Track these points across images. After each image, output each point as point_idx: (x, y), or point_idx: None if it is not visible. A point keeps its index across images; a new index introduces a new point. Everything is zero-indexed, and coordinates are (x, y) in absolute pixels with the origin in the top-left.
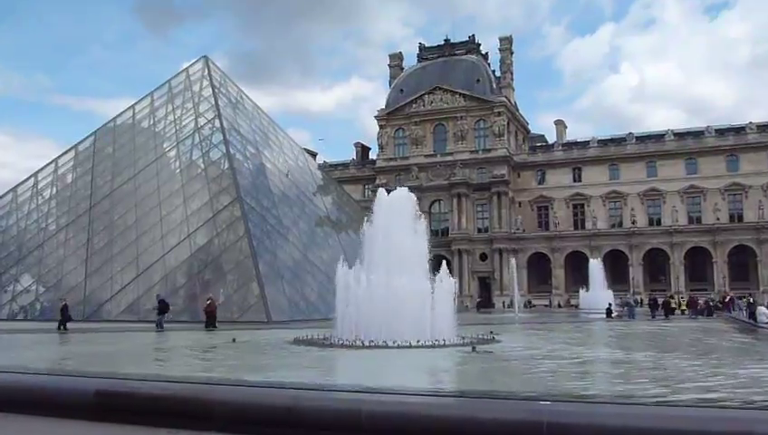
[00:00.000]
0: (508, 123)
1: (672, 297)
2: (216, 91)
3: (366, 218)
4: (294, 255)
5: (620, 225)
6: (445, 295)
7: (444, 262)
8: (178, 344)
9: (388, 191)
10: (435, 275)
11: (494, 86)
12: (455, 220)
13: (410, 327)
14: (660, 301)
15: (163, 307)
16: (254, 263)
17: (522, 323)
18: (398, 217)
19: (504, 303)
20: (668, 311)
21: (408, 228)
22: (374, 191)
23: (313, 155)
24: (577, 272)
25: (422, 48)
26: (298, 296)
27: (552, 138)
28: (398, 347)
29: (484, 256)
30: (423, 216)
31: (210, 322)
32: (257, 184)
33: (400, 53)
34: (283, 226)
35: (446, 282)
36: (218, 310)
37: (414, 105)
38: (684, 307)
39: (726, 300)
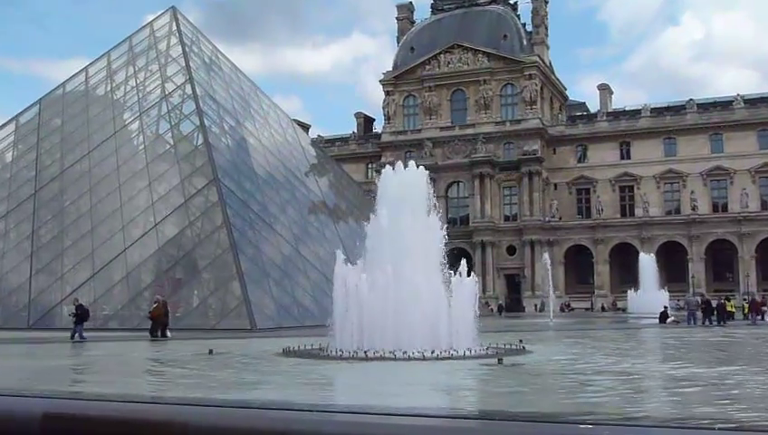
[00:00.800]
0: (542, 88)
1: (728, 299)
2: (187, 49)
3: (369, 204)
4: (283, 249)
5: (678, 211)
6: (465, 297)
7: (464, 257)
8: (144, 357)
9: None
10: (452, 272)
11: (525, 43)
12: (477, 206)
13: (423, 335)
14: (714, 303)
15: (82, 315)
16: (235, 258)
17: (558, 331)
18: (408, 203)
19: (535, 306)
20: (724, 315)
21: (420, 216)
22: (379, 171)
23: (306, 128)
24: (625, 268)
25: None
26: (288, 299)
27: (594, 106)
28: (409, 359)
29: (512, 250)
30: (439, 201)
31: (156, 328)
32: (238, 163)
33: (410, 2)
34: (270, 214)
35: (467, 281)
36: (192, 315)
37: (427, 67)
38: (745, 310)
39: None
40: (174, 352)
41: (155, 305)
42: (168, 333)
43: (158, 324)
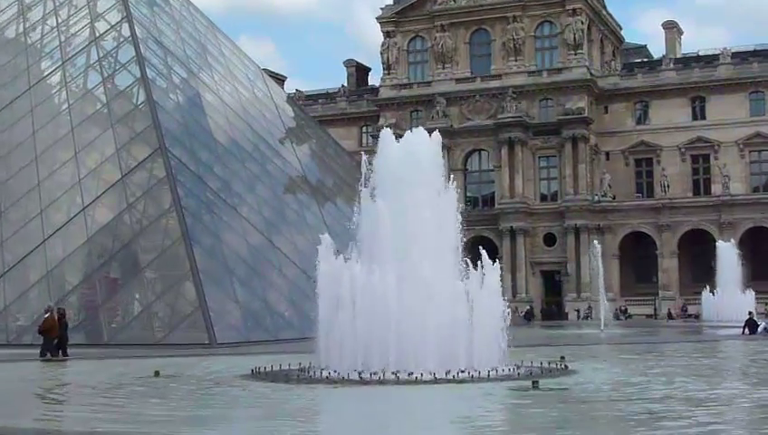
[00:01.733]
0: (589, 27)
1: None
2: None
3: (363, 180)
4: (252, 238)
5: None
6: (489, 300)
7: (487, 248)
8: (72, 381)
9: (399, 136)
10: (473, 268)
11: None
12: (504, 182)
13: (435, 350)
14: None
15: None
16: (188, 252)
17: (611, 344)
18: (414, 178)
19: (577, 312)
20: None
21: (430, 196)
22: (376, 136)
23: (281, 81)
24: (698, 263)
25: None
26: (258, 304)
27: (658, 50)
28: (417, 382)
29: (550, 239)
30: (455, 175)
31: (47, 346)
32: (191, 127)
33: None
34: (234, 193)
35: (492, 279)
36: (132, 327)
37: None
38: None
39: None
40: (92, 375)
41: (45, 316)
42: (66, 352)
43: (51, 341)
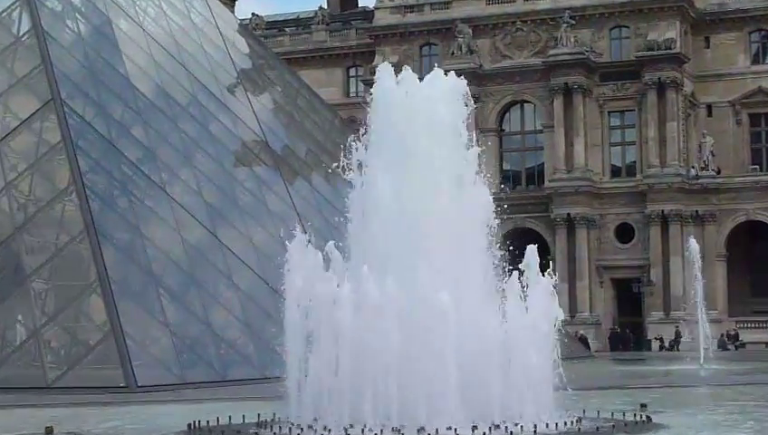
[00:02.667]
0: None
1: None
2: None
3: (350, 145)
4: (188, 233)
5: None
6: (534, 322)
7: (532, 244)
8: None
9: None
10: (511, 274)
11: None
12: (558, 149)
13: (457, 396)
14: None
15: None
16: (95, 252)
17: (715, 386)
18: (426, 144)
19: (660, 341)
20: None
21: (449, 169)
22: (369, 82)
23: (230, 1)
24: None
25: None
26: (198, 329)
27: None
28: None
29: (626, 232)
30: (485, 139)
31: None
32: (99, 69)
33: None
34: (161, 166)
35: (539, 291)
36: (13, 363)
37: None
38: None
39: None
40: None
41: None
42: None
43: None
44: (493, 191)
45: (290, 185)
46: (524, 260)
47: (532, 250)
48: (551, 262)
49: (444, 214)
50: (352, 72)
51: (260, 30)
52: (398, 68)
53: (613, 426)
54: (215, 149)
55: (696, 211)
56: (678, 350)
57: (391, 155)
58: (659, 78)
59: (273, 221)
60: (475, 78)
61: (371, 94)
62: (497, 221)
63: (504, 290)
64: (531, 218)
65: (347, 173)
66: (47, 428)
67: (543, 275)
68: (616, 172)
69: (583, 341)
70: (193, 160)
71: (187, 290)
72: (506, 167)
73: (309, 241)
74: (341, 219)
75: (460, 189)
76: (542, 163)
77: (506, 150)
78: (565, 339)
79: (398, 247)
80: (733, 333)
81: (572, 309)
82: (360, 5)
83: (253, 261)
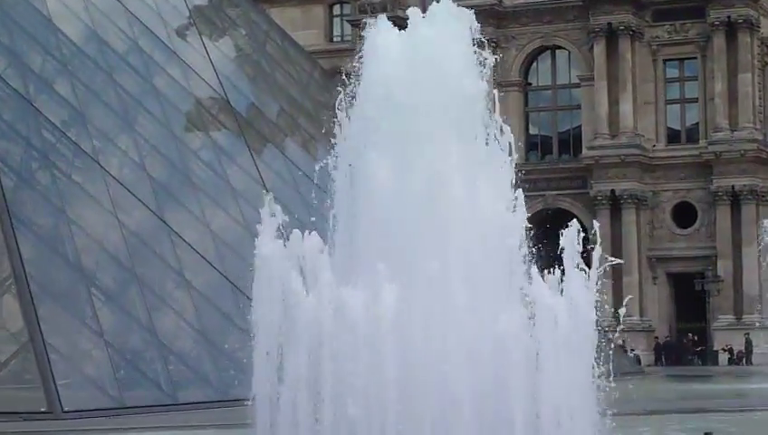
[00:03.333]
0: None
1: None
2: None
3: (337, 106)
4: (128, 216)
5: None
6: (571, 331)
7: (565, 228)
8: None
9: (401, 22)
10: (541, 271)
11: None
12: (599, 108)
13: (473, 424)
14: None
15: None
16: (8, 241)
17: None
18: (430, 101)
19: (729, 352)
20: None
21: (460, 133)
22: (357, 23)
23: None
24: None
25: None
26: (140, 338)
27: None
28: None
29: (686, 214)
30: (506, 95)
31: None
32: (9, 9)
33: None
34: (93, 131)
35: (576, 289)
36: None
37: None
38: None
39: None
40: None
41: None
42: None
43: None
44: (516, 163)
45: (257, 155)
46: (563, 243)
47: (572, 232)
48: (588, 253)
49: (455, 191)
50: (336, 10)
51: None
52: (391, 4)
53: None
54: (161, 110)
55: None
56: (751, 363)
57: (388, 113)
58: (729, 16)
59: (236, 202)
60: (494, 17)
61: (362, 39)
62: (522, 201)
63: (532, 291)
64: (564, 196)
65: (331, 141)
66: None
67: (588, 267)
68: (673, 137)
69: (673, 349)
70: (133, 124)
71: (127, 290)
72: (533, 131)
73: (283, 228)
74: (324, 200)
75: (475, 157)
76: (579, 126)
77: (533, 110)
78: (610, 350)
79: (397, 238)
80: None
81: (618, 315)
82: None
83: (210, 253)
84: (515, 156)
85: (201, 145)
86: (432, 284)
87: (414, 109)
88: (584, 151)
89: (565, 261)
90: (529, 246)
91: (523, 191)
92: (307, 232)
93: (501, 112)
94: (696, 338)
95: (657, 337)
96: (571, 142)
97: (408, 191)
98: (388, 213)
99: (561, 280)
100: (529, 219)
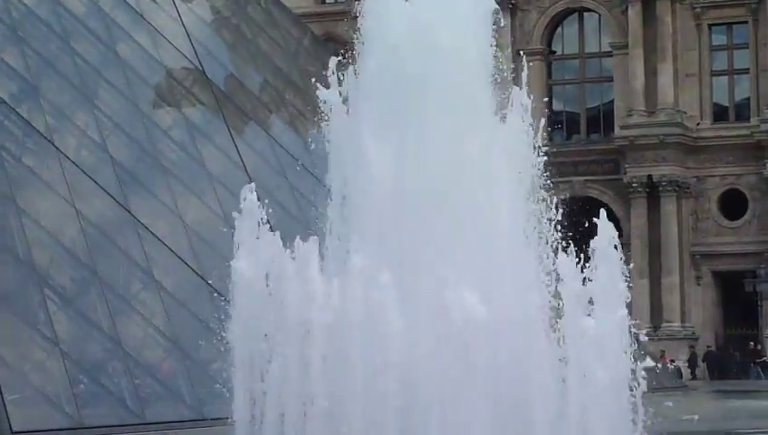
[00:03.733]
0: None
1: None
2: None
3: (329, 76)
4: (87, 206)
5: None
6: (603, 339)
7: (592, 224)
8: None
9: None
10: (565, 269)
11: None
12: (633, 80)
13: (493, 428)
14: None
15: None
16: None
17: None
18: (438, 73)
19: None
20: None
21: (474, 111)
22: None
23: None
24: None
25: None
26: (102, 348)
27: None
28: None
29: (736, 204)
30: (528, 68)
31: None
32: None
33: None
34: (46, 105)
35: (609, 292)
36: None
37: None
38: None
39: None
40: None
41: None
42: None
43: None
44: (539, 145)
45: (238, 135)
46: (593, 245)
47: (604, 224)
48: (621, 247)
49: (467, 180)
50: None
51: None
52: None
53: None
54: (126, 82)
55: None
56: None
57: (388, 85)
58: None
59: (213, 189)
60: None
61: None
62: (546, 188)
63: (556, 293)
64: (594, 183)
65: (323, 119)
66: None
67: (622, 271)
68: (720, 115)
69: (720, 360)
70: (93, 98)
71: (86, 291)
72: (557, 106)
73: (267, 219)
74: (316, 187)
75: (491, 136)
76: (611, 101)
77: (558, 82)
78: (647, 363)
79: (402, 234)
80: None
81: (655, 318)
82: None
83: (184, 248)
84: (538, 136)
85: (172, 123)
86: (443, 283)
87: (420, 81)
88: (617, 131)
89: (595, 257)
90: (554, 241)
91: (547, 177)
92: (298, 238)
93: (520, 85)
94: (758, 347)
95: (692, 346)
96: (601, 120)
97: (408, 175)
98: (392, 206)
99: (589, 279)
100: (555, 209)
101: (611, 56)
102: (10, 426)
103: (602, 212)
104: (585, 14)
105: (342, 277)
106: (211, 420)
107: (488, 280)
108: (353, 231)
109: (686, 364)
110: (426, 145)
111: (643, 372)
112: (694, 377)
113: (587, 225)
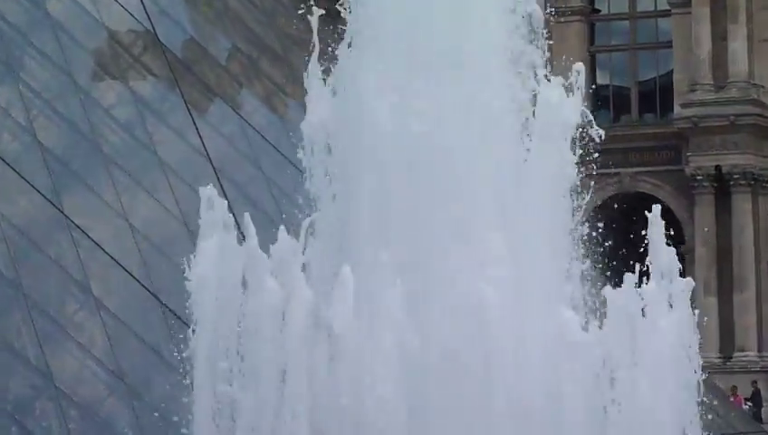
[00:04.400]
0: None
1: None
2: None
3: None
4: (10, 207)
5: None
6: (658, 373)
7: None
8: None
9: None
10: (613, 285)
11: None
12: (697, 46)
13: None
14: None
15: None
16: None
17: None
18: (461, 43)
19: None
20: None
21: (500, 90)
22: None
23: None
24: None
25: None
26: (28, 384)
27: None
28: None
29: None
30: (561, 29)
31: None
32: None
33: None
34: None
35: (666, 317)
36: None
37: None
38: None
39: None
40: None
41: None
42: None
43: None
44: (577, 122)
45: (199, 114)
46: (650, 241)
47: (658, 228)
48: (682, 257)
49: (490, 169)
50: None
51: None
52: None
53: None
54: (58, 49)
55: None
56: None
57: (389, 61)
58: None
59: (167, 182)
60: None
61: None
62: (583, 184)
63: (601, 312)
64: (647, 176)
65: (306, 92)
66: None
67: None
68: None
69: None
70: (18, 69)
71: (8, 311)
72: (602, 79)
73: (236, 221)
74: (297, 178)
75: (516, 128)
76: (669, 73)
77: (602, 49)
78: (715, 401)
79: (413, 232)
80: None
81: (726, 345)
82: None
83: (130, 256)
84: (578, 117)
85: (116, 99)
86: (460, 294)
87: (431, 49)
88: (676, 110)
89: (653, 265)
90: (596, 247)
91: (590, 168)
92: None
93: (557, 52)
94: None
95: (755, 381)
96: (657, 97)
97: (428, 172)
98: (388, 194)
99: (640, 289)
100: (596, 209)
101: (669, 16)
102: None
103: (654, 211)
104: None
105: (338, 295)
106: None
107: (515, 294)
108: (349, 235)
109: (749, 405)
110: (437, 134)
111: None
112: (758, 420)
113: (638, 231)
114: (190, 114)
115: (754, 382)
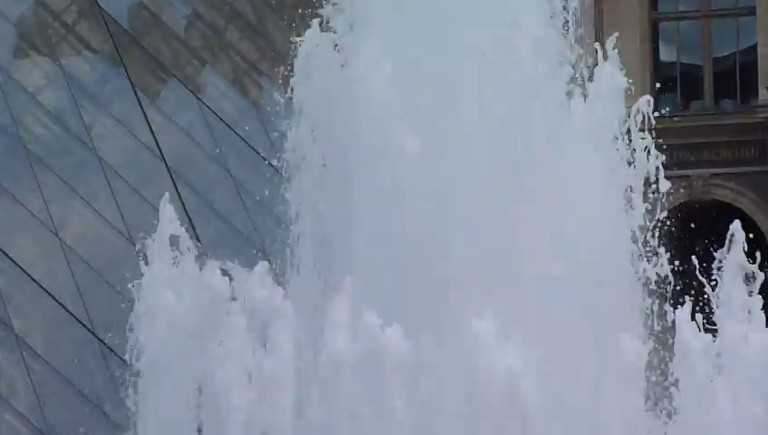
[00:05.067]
0: None
1: None
2: None
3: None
4: None
5: None
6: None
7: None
8: None
9: None
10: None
11: None
12: None
13: None
14: None
15: None
16: None
17: None
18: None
19: None
20: None
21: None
22: None
23: None
24: None
25: None
26: None
27: None
28: None
29: None
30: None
31: None
32: None
33: None
34: None
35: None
36: None
37: None
38: None
39: None
40: None
41: None
42: None
43: None
44: (644, 115)
45: (150, 99)
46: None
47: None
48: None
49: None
50: None
51: None
52: None
53: None
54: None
55: None
56: None
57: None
58: None
59: (106, 185)
60: None
61: None
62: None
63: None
64: (725, 178)
65: (291, 77)
66: None
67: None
68: None
69: None
70: None
71: None
72: (667, 57)
73: (195, 235)
74: (273, 181)
75: (560, 123)
76: (752, 48)
77: (667, 16)
78: None
79: (414, 243)
80: None
81: None
82: None
83: (61, 282)
84: (639, 107)
85: (45, 80)
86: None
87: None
88: (762, 94)
89: (722, 290)
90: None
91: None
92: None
93: (608, 25)
94: None
95: None
96: (737, 80)
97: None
98: (400, 220)
99: (710, 321)
100: (663, 220)
101: None
102: None
103: (735, 226)
104: None
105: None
106: None
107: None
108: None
109: None
110: (459, 131)
111: None
112: None
113: (714, 247)
114: (138, 100)
115: None
